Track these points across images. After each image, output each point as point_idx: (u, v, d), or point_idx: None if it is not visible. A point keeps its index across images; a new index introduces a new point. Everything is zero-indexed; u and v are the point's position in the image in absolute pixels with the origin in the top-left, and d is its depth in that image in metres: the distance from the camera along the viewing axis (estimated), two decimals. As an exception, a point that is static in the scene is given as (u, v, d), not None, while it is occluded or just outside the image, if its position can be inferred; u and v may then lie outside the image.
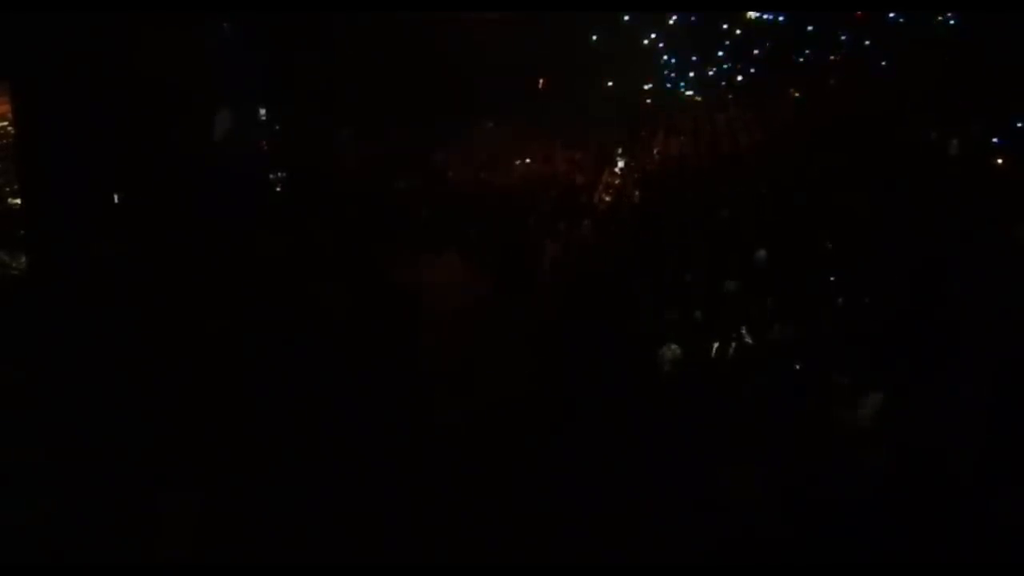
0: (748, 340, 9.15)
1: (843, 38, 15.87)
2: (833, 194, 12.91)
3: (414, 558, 5.85)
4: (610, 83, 17.58)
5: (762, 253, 11.66)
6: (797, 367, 8.43)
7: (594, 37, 17.16)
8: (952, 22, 13.80)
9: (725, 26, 17.28)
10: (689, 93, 18.39)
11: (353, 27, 13.33)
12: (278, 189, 13.48)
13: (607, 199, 16.27)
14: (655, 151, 18.16)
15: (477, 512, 6.38)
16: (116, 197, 10.39)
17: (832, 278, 10.56)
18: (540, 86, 17.15)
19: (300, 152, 13.36)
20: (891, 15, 14.64)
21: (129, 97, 9.67)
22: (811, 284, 10.50)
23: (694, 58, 18.00)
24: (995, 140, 13.28)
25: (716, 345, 9.10)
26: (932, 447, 6.55)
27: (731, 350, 9.10)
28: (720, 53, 17.86)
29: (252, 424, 7.18)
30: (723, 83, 18.04)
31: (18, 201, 9.82)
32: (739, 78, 17.88)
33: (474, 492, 6.58)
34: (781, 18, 16.64)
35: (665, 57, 18.18)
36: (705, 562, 5.84)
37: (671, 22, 17.49)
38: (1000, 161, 12.52)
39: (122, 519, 6.04)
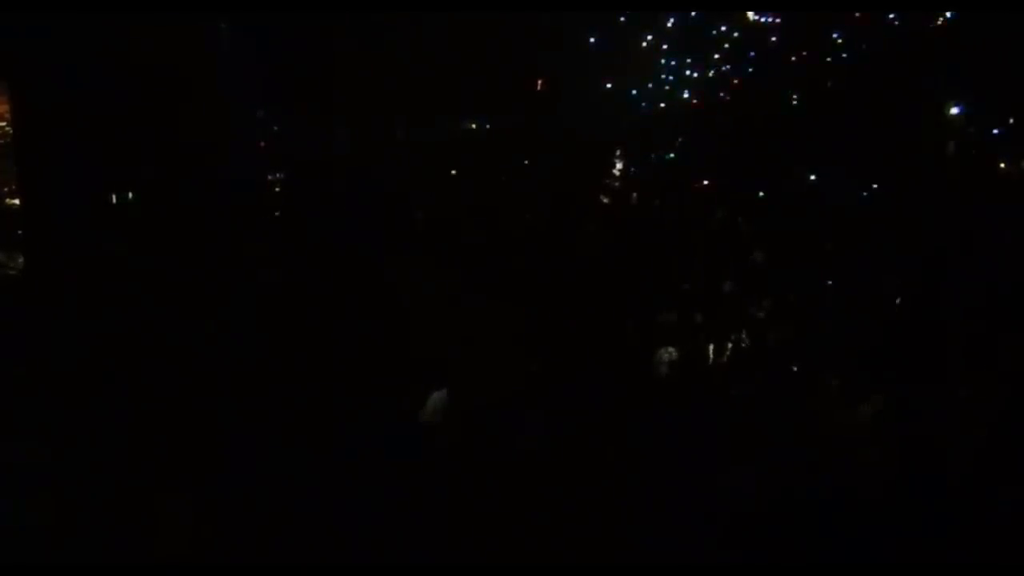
0: (745, 342, 9.18)
1: (838, 39, 15.85)
2: (831, 195, 12.94)
3: (412, 558, 5.86)
4: (608, 84, 17.59)
5: (759, 255, 11.69)
6: (795, 368, 8.47)
7: (591, 39, 17.16)
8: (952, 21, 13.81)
9: (724, 27, 17.28)
10: (686, 95, 18.40)
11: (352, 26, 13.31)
12: (277, 189, 13.44)
13: (605, 201, 16.29)
14: (652, 154, 18.22)
15: (474, 512, 6.39)
16: (115, 197, 10.39)
17: (830, 280, 10.59)
18: (538, 87, 17.14)
19: (299, 152, 13.33)
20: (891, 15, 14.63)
21: (128, 97, 9.66)
22: (809, 285, 10.54)
23: (690, 59, 18.01)
24: (994, 140, 13.30)
25: (713, 347, 9.12)
26: (931, 447, 6.58)
27: (728, 352, 9.13)
28: (716, 56, 17.86)
29: (251, 424, 7.19)
30: (720, 85, 18.05)
31: (17, 201, 9.79)
32: (736, 80, 17.88)
33: (471, 493, 6.60)
34: (779, 20, 16.63)
35: (663, 60, 18.19)
36: (704, 562, 5.86)
37: (669, 24, 17.51)
38: (1003, 165, 12.54)
39: (122, 519, 6.04)
